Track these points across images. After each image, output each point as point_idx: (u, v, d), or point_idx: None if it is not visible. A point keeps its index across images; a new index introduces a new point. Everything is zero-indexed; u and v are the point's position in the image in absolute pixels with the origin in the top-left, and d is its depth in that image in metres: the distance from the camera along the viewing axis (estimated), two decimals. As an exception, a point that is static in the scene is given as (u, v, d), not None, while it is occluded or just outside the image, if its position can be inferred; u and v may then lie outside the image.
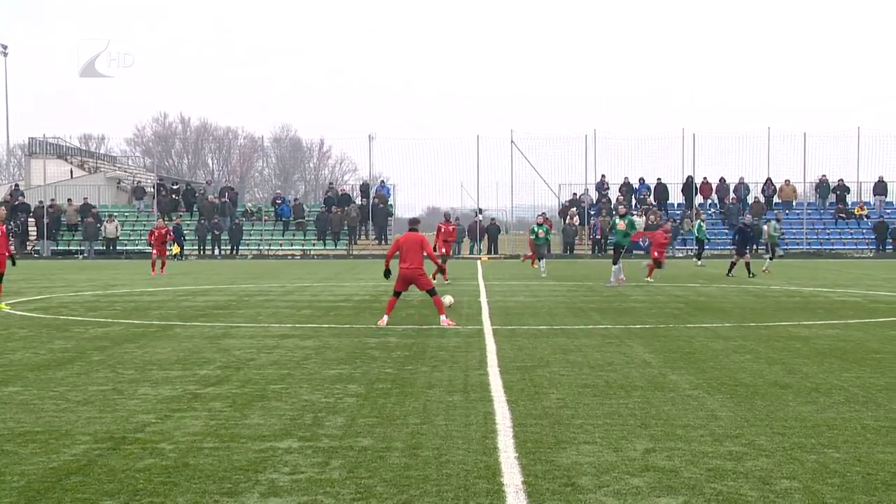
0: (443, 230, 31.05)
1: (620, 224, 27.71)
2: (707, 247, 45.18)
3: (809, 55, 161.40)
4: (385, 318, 16.58)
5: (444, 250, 30.55)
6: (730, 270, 31.32)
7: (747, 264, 31.38)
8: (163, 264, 35.02)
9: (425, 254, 16.80)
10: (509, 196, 60.34)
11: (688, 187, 58.27)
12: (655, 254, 29.46)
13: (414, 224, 17.50)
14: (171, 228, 44.53)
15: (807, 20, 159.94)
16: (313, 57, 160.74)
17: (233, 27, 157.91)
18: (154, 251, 35.52)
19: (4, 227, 20.69)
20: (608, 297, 23.12)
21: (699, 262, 39.93)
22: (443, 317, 16.48)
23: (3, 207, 21.70)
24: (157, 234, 35.73)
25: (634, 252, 52.55)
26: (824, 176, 59.18)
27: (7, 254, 20.41)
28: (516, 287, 27.03)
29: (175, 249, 52.72)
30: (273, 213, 60.44)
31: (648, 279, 28.84)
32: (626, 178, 59.46)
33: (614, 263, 27.39)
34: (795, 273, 32.47)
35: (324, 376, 10.96)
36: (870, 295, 23.70)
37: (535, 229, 33.93)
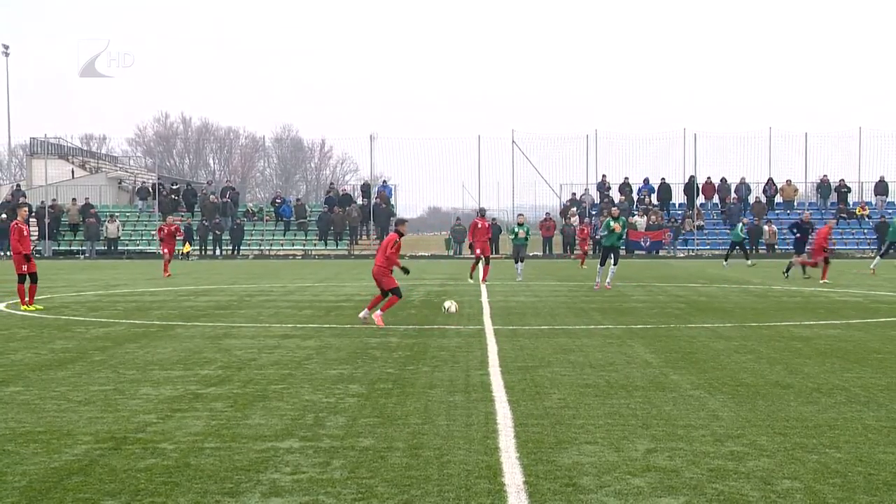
0: (479, 226, 29.56)
1: (615, 226, 25.83)
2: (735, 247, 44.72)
3: (811, 55, 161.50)
4: (365, 311, 16.63)
5: (478, 251, 29.33)
6: (804, 271, 30.56)
7: (803, 266, 31.01)
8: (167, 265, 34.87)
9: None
10: (510, 196, 60.45)
11: (690, 187, 58.30)
12: (824, 252, 29.30)
13: (397, 225, 17.36)
14: (181, 227, 44.54)
15: (807, 20, 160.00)
16: (313, 57, 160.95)
17: (233, 27, 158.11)
18: (164, 249, 35.38)
19: (27, 227, 20.63)
20: (609, 297, 23.12)
21: (749, 262, 39.96)
22: (379, 311, 16.27)
23: (25, 208, 21.37)
24: (166, 230, 35.69)
25: (637, 252, 52.88)
26: (825, 176, 59.20)
27: (26, 253, 20.27)
28: (517, 287, 27.03)
29: (186, 248, 52.78)
30: (273, 212, 60.46)
31: (824, 280, 28.43)
32: (626, 177, 59.49)
33: (601, 265, 26.04)
34: (796, 273, 32.42)
35: (325, 376, 10.95)
36: (871, 295, 23.69)
37: (516, 229, 31.99)
